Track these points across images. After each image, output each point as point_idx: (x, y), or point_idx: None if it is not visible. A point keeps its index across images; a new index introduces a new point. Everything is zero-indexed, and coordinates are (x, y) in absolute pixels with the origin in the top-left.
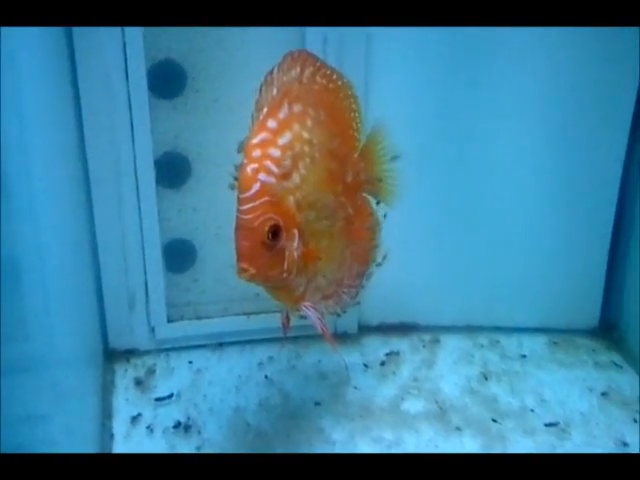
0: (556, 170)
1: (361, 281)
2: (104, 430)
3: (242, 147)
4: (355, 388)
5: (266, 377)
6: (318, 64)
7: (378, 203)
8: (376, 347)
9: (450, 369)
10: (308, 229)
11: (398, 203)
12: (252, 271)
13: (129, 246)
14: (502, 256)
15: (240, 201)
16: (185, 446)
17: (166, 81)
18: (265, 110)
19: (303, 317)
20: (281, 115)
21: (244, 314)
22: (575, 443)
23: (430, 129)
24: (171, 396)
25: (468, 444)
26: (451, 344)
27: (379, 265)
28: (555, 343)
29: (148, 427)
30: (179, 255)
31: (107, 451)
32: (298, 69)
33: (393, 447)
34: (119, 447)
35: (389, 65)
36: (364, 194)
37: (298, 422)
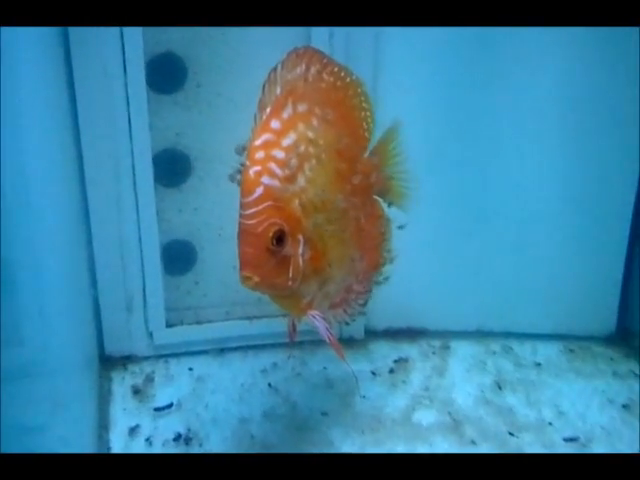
0: (571, 172)
1: (371, 287)
2: (101, 443)
3: (243, 149)
4: (364, 397)
5: (270, 385)
6: (325, 61)
7: (389, 206)
8: (384, 353)
9: (462, 377)
10: (315, 234)
11: (411, 207)
12: (256, 279)
13: (127, 247)
14: (514, 259)
15: (243, 205)
16: None
17: (166, 75)
18: (268, 110)
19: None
20: (285, 115)
21: (247, 318)
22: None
23: (441, 129)
24: (171, 406)
25: None
26: (462, 350)
27: (384, 280)
28: (571, 351)
29: (147, 439)
30: (179, 257)
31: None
32: (304, 66)
33: None
34: None
35: (399, 63)
36: (375, 197)
37: (305, 434)
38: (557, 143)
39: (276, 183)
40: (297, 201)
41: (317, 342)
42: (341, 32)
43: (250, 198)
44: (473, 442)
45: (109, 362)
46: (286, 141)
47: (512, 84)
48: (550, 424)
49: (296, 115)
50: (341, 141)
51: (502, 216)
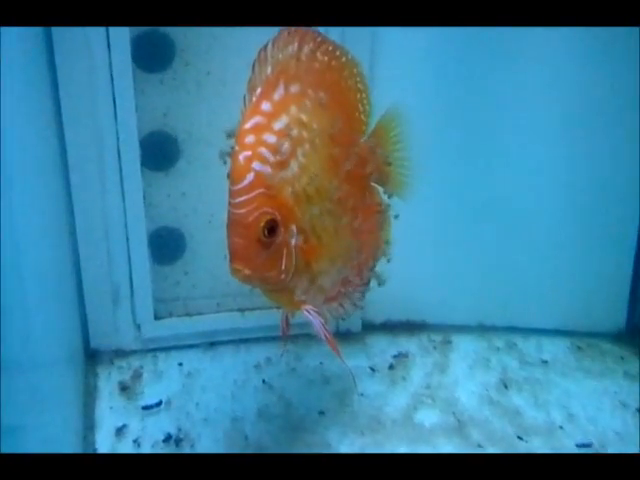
0: (578, 163)
1: (369, 280)
2: (86, 444)
3: (233, 133)
4: (362, 395)
5: (264, 382)
6: (319, 39)
7: (390, 197)
8: (383, 348)
9: (465, 375)
10: (309, 223)
11: (411, 196)
12: (247, 272)
13: (112, 235)
14: (518, 250)
15: (232, 193)
16: None
17: (152, 53)
18: (258, 91)
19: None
20: (276, 96)
21: (239, 310)
22: None
23: (442, 118)
24: (160, 404)
25: None
26: (464, 346)
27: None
28: (579, 348)
29: (135, 441)
30: (167, 245)
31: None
32: (296, 45)
33: None
34: None
35: (395, 60)
36: (372, 184)
37: (301, 435)
38: (563, 132)
39: (267, 169)
40: (290, 189)
41: (312, 335)
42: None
43: (240, 185)
44: (480, 445)
45: (95, 357)
46: (278, 124)
47: (514, 74)
48: (561, 428)
49: (288, 96)
50: (336, 125)
51: (506, 205)
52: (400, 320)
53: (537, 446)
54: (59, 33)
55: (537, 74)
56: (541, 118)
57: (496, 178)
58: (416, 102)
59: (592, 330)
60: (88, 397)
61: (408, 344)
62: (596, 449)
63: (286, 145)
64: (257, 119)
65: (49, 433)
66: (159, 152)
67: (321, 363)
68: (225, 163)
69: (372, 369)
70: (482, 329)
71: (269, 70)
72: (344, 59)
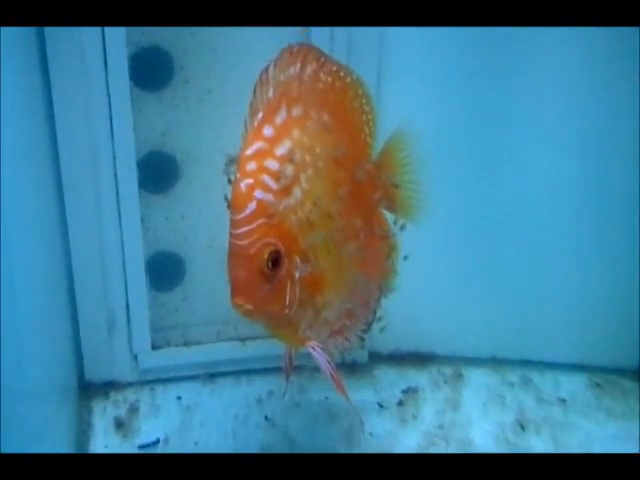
0: (603, 183)
1: (375, 311)
2: None
3: (234, 159)
4: (371, 435)
5: (267, 418)
6: (322, 59)
7: (395, 223)
8: (391, 381)
9: (480, 413)
10: (313, 253)
11: (422, 220)
12: (249, 307)
13: (108, 260)
14: (534, 279)
15: (234, 223)
16: None
17: (151, 70)
18: (260, 115)
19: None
20: (279, 120)
21: (239, 339)
22: None
23: (452, 135)
24: (157, 442)
25: None
26: (476, 380)
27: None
28: (598, 385)
29: None
30: (166, 270)
31: None
32: (298, 65)
33: None
34: None
35: (405, 64)
36: (380, 209)
37: None
38: (584, 148)
39: (270, 197)
40: (293, 217)
41: (317, 367)
42: (342, 31)
43: (241, 215)
44: None
45: (89, 389)
46: (280, 150)
47: (525, 84)
48: None
49: (291, 120)
50: (340, 148)
51: (522, 232)
52: (409, 351)
53: None
54: (54, 49)
55: (550, 90)
56: (555, 129)
57: (510, 203)
58: (426, 121)
59: (611, 365)
60: (82, 434)
61: (417, 377)
62: None
63: (289, 171)
64: (259, 144)
65: None
66: (157, 173)
67: (326, 397)
68: (229, 182)
69: (380, 405)
70: (495, 362)
71: (271, 92)
72: (349, 79)
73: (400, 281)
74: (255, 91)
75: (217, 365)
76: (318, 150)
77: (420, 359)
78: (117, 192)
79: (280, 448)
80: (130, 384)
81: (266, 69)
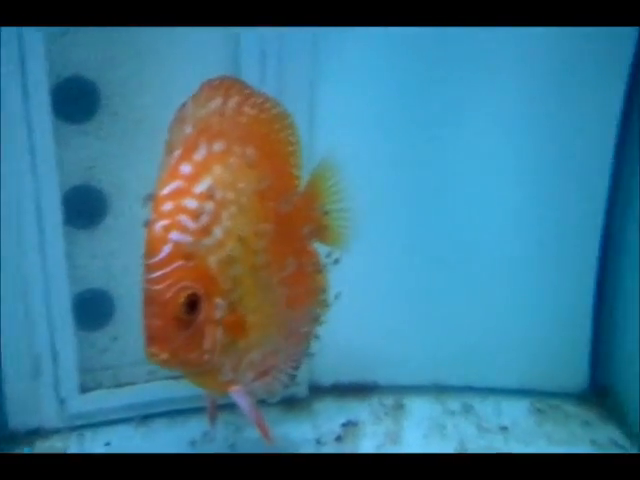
0: (542, 211)
1: (305, 348)
2: None
3: (151, 198)
4: None
5: None
6: (246, 92)
7: (329, 256)
8: (330, 415)
9: (420, 445)
10: (236, 294)
11: (353, 247)
12: (164, 356)
13: (31, 300)
14: (475, 305)
15: (148, 267)
16: None
17: (75, 101)
18: (177, 153)
19: None
20: (198, 157)
21: (172, 378)
22: None
23: (391, 155)
24: None
25: None
26: (417, 410)
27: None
28: (539, 410)
29: None
30: (94, 309)
31: None
32: (220, 99)
33: None
34: None
35: (339, 81)
36: (311, 243)
37: None
38: (525, 172)
39: (187, 238)
40: (213, 258)
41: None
42: (273, 47)
43: (156, 259)
44: None
45: (13, 439)
46: (199, 187)
47: (464, 111)
48: None
49: (211, 156)
50: (264, 181)
51: (462, 257)
52: (350, 381)
53: None
54: None
55: (488, 119)
56: (499, 156)
57: (450, 227)
58: (360, 146)
59: (553, 390)
60: None
61: (358, 409)
62: None
63: (209, 209)
64: (176, 184)
65: None
66: (84, 208)
67: None
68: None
69: (318, 442)
70: (437, 390)
71: (189, 129)
72: (274, 111)
73: (339, 311)
74: (171, 129)
75: (151, 406)
76: (241, 185)
77: (361, 389)
78: (40, 228)
79: None
80: (57, 430)
81: (183, 105)
